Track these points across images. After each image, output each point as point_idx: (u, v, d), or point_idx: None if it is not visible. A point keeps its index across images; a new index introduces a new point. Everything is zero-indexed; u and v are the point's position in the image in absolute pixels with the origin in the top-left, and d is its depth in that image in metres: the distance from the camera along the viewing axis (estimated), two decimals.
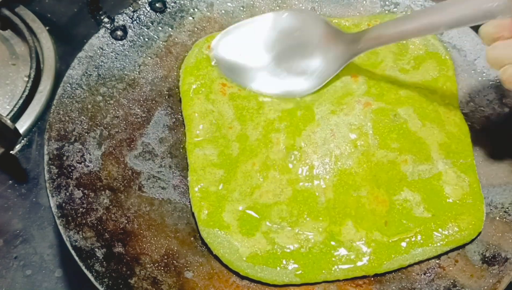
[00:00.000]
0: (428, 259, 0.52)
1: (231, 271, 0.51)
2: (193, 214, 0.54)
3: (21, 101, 0.67)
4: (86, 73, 0.58)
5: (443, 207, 0.54)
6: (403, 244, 0.52)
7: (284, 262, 0.51)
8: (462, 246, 0.53)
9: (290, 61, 0.62)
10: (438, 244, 0.52)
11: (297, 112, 0.58)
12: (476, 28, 0.67)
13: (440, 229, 0.52)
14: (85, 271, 0.47)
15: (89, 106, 0.57)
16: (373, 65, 0.62)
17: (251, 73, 0.61)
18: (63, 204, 0.50)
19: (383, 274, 0.52)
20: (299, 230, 0.52)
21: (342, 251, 0.51)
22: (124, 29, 0.62)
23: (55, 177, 0.51)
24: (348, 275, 0.51)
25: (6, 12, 0.73)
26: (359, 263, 0.51)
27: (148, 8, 0.64)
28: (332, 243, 0.52)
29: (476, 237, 0.53)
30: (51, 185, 0.51)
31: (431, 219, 0.53)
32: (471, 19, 0.49)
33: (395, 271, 0.52)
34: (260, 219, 0.53)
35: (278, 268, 0.51)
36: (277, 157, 0.55)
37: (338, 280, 0.51)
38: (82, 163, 0.53)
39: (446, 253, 0.52)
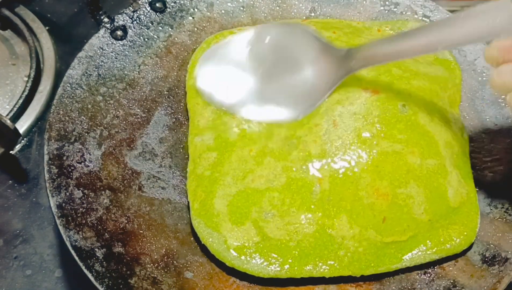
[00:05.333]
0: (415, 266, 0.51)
1: (230, 271, 0.51)
2: None
3: (21, 101, 0.67)
4: (86, 73, 0.58)
5: (441, 212, 0.52)
6: (394, 247, 0.51)
7: (271, 255, 0.50)
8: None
9: (278, 81, 0.57)
10: (428, 252, 0.51)
11: None
12: None
13: (432, 237, 0.51)
14: (85, 271, 0.47)
15: (89, 106, 0.57)
16: None
17: (238, 100, 0.57)
18: (63, 204, 0.50)
19: (383, 275, 0.51)
20: (290, 220, 0.51)
21: (331, 247, 0.50)
22: (124, 29, 0.62)
23: (55, 177, 0.51)
24: (334, 273, 0.50)
25: (6, 12, 0.73)
26: (347, 262, 0.50)
27: (148, 8, 0.64)
28: (322, 237, 0.51)
29: (468, 248, 0.52)
30: (51, 185, 0.51)
31: (426, 224, 0.52)
32: (472, 38, 0.46)
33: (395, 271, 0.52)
34: (250, 205, 0.52)
35: (265, 261, 0.50)
36: (276, 145, 0.54)
37: (338, 281, 0.51)
38: (82, 163, 0.53)
39: (435, 262, 0.52)
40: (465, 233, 0.52)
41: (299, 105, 0.56)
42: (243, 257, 0.50)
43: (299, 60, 0.57)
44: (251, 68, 0.58)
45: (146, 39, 0.63)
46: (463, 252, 0.52)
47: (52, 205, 0.50)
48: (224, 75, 0.59)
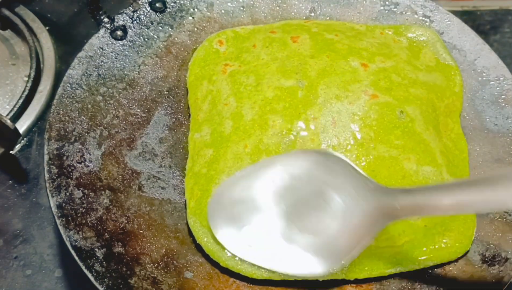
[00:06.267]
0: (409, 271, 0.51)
1: (230, 271, 0.51)
2: None
3: (21, 101, 0.67)
4: (86, 73, 0.58)
5: (437, 218, 0.51)
6: (389, 252, 0.50)
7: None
8: None
9: (303, 224, 0.48)
10: (423, 258, 0.50)
11: (298, 92, 0.55)
12: (476, 28, 0.67)
13: (427, 243, 0.51)
14: (85, 271, 0.47)
15: (89, 106, 0.57)
16: (387, 56, 0.59)
17: (261, 251, 0.49)
18: (63, 204, 0.50)
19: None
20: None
21: None
22: (124, 29, 0.62)
23: (55, 177, 0.51)
24: (327, 277, 0.49)
25: (6, 12, 0.73)
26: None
27: (148, 8, 0.64)
28: None
29: (463, 255, 0.52)
30: (51, 185, 0.51)
31: (422, 230, 0.51)
32: None
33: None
34: None
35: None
36: (271, 141, 0.53)
37: (338, 281, 0.51)
38: (82, 163, 0.53)
39: (430, 268, 0.51)
40: (461, 241, 0.51)
41: (327, 257, 0.47)
42: (237, 258, 0.50)
43: (330, 199, 0.47)
44: (273, 209, 0.49)
45: (146, 39, 0.63)
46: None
47: (52, 205, 0.50)
48: (243, 221, 0.50)
